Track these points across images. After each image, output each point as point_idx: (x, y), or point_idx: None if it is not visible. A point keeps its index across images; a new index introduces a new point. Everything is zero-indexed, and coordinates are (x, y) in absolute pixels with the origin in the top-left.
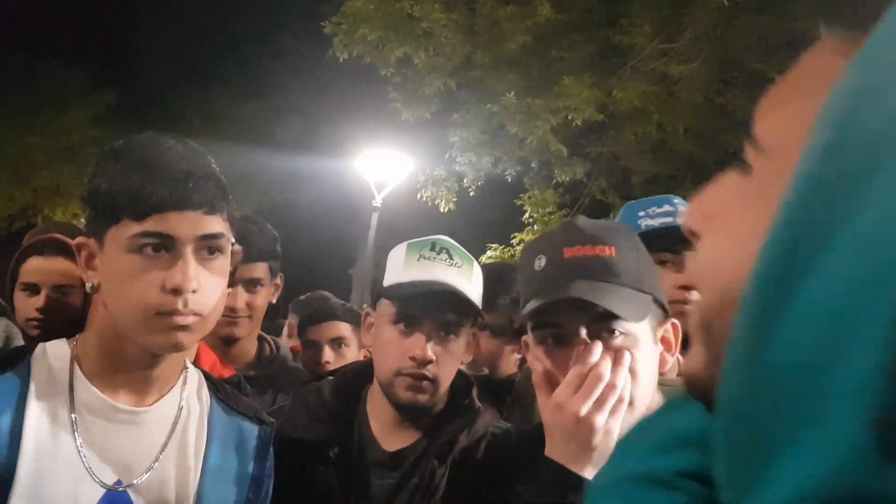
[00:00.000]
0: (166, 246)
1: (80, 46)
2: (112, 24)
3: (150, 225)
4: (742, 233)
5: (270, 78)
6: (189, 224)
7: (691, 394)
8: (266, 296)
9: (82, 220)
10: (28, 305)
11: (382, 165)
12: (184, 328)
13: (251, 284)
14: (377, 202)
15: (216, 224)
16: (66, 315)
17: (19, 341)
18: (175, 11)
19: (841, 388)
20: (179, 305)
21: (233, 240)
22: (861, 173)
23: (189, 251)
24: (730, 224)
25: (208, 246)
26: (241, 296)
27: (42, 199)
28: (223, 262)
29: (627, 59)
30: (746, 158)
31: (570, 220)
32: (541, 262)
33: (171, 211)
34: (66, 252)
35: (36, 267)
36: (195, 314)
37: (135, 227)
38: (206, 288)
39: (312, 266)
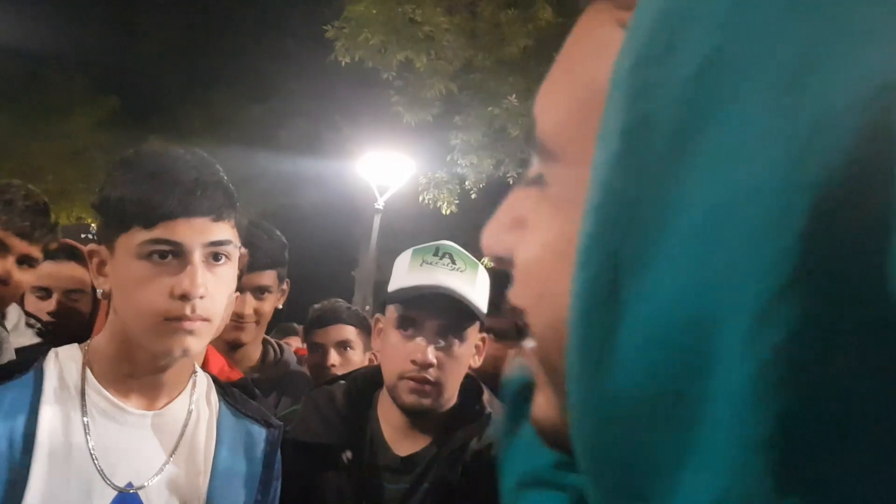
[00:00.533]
0: (175, 253)
1: (84, 52)
2: (115, 28)
3: (159, 232)
4: (558, 254)
5: (273, 81)
6: (197, 231)
7: (550, 446)
8: (273, 302)
9: (88, 223)
10: (39, 309)
11: (384, 168)
12: (191, 333)
13: (259, 291)
14: (379, 204)
15: (224, 231)
16: (75, 320)
17: (9, 346)
18: (178, 16)
19: (711, 416)
20: (187, 311)
21: (239, 245)
22: (667, 166)
23: (197, 257)
24: (539, 244)
25: (216, 252)
26: (250, 302)
27: (52, 199)
28: (230, 268)
29: None
30: (537, 169)
31: None
32: None
33: (179, 218)
34: (78, 257)
35: (48, 271)
36: (203, 319)
37: (144, 235)
38: (214, 294)
39: (315, 268)
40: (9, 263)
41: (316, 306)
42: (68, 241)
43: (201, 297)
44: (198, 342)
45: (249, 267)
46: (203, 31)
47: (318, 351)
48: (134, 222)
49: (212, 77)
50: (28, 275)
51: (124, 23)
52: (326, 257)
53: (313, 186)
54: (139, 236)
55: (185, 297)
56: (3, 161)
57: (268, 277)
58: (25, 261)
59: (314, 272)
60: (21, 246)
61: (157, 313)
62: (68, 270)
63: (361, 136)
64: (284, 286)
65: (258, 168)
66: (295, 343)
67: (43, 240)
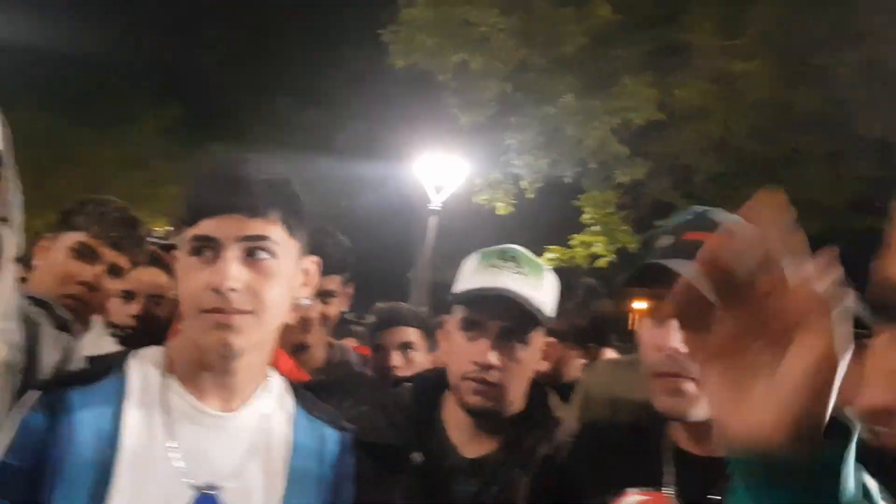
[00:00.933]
0: (210, 247)
1: (147, 60)
2: (176, 37)
3: (197, 228)
4: None
5: (330, 86)
6: (231, 226)
7: None
8: (339, 306)
9: (154, 229)
10: (123, 311)
11: (440, 169)
12: (230, 327)
13: (326, 296)
14: (435, 206)
15: (263, 227)
16: (156, 324)
17: (77, 355)
18: (237, 24)
19: None
20: (220, 303)
21: (294, 241)
22: None
23: (231, 252)
24: None
25: (254, 247)
26: (316, 306)
27: None
28: (275, 264)
29: (687, 58)
30: None
31: (705, 210)
32: (664, 242)
33: (216, 215)
34: (161, 264)
35: (133, 276)
36: (241, 312)
37: (188, 232)
38: (256, 288)
39: (371, 270)
40: (98, 271)
41: (381, 306)
42: (154, 247)
43: (235, 290)
44: (240, 337)
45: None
46: (262, 39)
47: (380, 353)
48: (183, 222)
49: (271, 83)
50: (116, 283)
51: (185, 32)
52: (382, 259)
53: (370, 189)
54: (186, 234)
55: (216, 290)
56: (72, 168)
57: (333, 282)
58: (114, 270)
59: (370, 274)
60: (111, 255)
61: (195, 306)
62: (152, 276)
63: (417, 138)
64: (349, 289)
65: (316, 171)
66: (351, 343)
67: (132, 251)
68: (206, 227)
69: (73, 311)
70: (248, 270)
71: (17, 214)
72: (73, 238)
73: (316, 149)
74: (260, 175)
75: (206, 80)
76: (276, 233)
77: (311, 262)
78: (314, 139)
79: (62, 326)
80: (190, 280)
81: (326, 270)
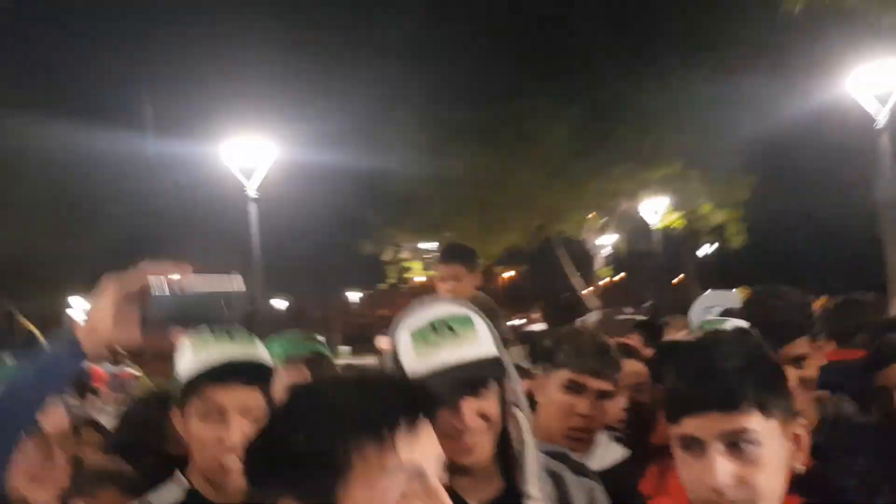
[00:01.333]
0: (697, 444)
1: (542, 71)
2: (560, 37)
3: (681, 427)
4: None
5: (724, 43)
6: (711, 424)
7: None
8: (813, 366)
9: (581, 228)
10: (613, 411)
11: (882, 80)
12: None
13: (797, 361)
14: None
15: (741, 420)
16: (645, 412)
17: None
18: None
19: None
20: (717, 498)
21: (778, 422)
22: None
23: (715, 449)
24: None
25: (737, 441)
26: (792, 374)
27: (546, 217)
28: (759, 451)
29: None
30: None
31: None
32: None
33: (696, 414)
34: (633, 355)
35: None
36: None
37: (675, 430)
38: (745, 478)
39: (827, 204)
40: (589, 400)
41: (831, 308)
42: (626, 342)
43: (727, 485)
44: None
45: (779, 340)
46: (639, 15)
47: (884, 393)
48: (668, 417)
49: (661, 57)
50: (608, 405)
51: (568, 30)
52: (836, 191)
53: (801, 119)
54: (673, 430)
55: (712, 490)
56: (502, 194)
57: (800, 346)
58: (603, 395)
59: (826, 207)
60: (596, 384)
61: (696, 498)
62: (630, 367)
63: (843, 49)
64: (825, 342)
65: (731, 135)
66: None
67: (612, 375)
68: (688, 426)
69: (578, 440)
70: (735, 463)
71: (525, 405)
72: (561, 376)
73: (723, 112)
74: (732, 362)
75: (596, 74)
76: (754, 422)
77: (800, 427)
78: (715, 104)
79: (575, 468)
80: (685, 474)
81: (791, 336)
